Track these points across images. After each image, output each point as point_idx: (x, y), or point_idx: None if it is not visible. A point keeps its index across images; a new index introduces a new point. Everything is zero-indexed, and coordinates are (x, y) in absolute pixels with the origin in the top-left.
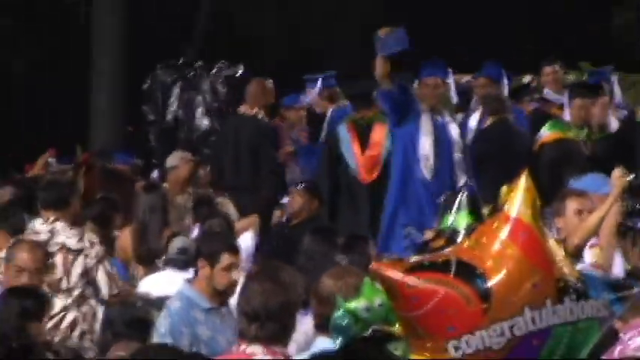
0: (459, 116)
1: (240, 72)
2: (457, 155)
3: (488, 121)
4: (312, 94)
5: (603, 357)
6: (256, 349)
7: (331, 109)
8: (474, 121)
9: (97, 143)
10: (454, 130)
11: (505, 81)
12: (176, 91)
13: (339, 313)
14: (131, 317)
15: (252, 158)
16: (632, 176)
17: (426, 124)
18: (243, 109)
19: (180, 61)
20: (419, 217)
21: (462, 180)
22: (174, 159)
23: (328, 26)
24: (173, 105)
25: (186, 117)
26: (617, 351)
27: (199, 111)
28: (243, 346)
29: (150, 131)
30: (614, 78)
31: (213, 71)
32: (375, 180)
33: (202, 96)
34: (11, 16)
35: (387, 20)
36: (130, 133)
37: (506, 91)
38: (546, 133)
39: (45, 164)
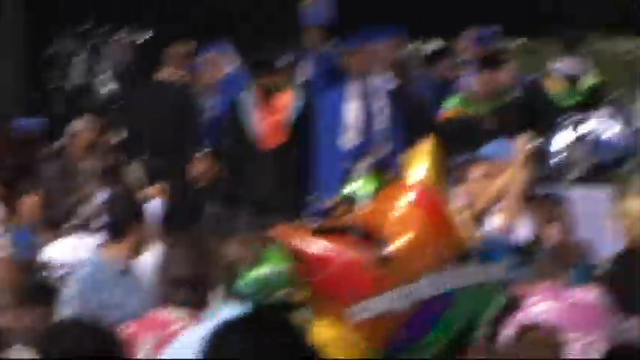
0: None
1: (147, 37)
2: (381, 122)
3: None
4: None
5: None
6: (181, 314)
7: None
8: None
9: (0, 109)
10: (386, 97)
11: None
12: (81, 56)
13: (244, 280)
14: (34, 283)
15: (175, 123)
16: (537, 142)
17: (352, 92)
18: (165, 73)
19: (85, 27)
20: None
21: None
22: (78, 124)
23: None
24: (78, 70)
25: (92, 82)
26: (519, 315)
27: (105, 76)
28: (166, 311)
29: (54, 97)
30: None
31: (119, 36)
32: (280, 145)
33: (108, 61)
34: None
35: None
36: (34, 99)
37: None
38: (447, 107)
39: None
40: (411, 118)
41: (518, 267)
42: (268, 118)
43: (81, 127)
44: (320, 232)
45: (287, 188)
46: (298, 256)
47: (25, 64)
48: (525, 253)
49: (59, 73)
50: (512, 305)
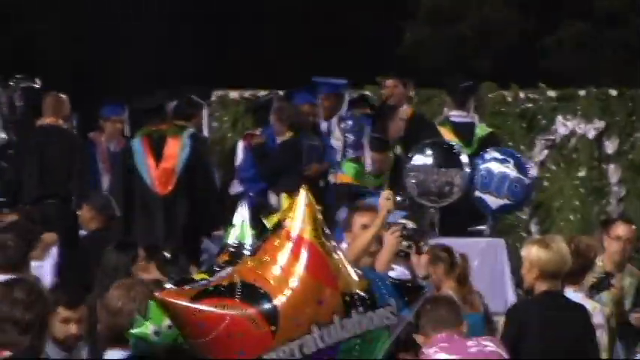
0: None
1: (37, 85)
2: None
3: (284, 136)
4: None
5: None
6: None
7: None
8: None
9: None
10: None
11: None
12: None
13: (131, 337)
14: None
15: (60, 169)
16: (398, 198)
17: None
18: (47, 120)
19: None
20: None
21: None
22: None
23: (117, 39)
24: None
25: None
26: None
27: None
28: None
29: None
30: (347, 93)
31: (10, 84)
32: (169, 192)
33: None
34: None
35: (172, 33)
36: None
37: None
38: (343, 171)
39: None
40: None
41: (403, 307)
42: (160, 166)
43: None
44: (204, 294)
45: (178, 234)
46: (182, 319)
47: None
48: (409, 291)
49: None
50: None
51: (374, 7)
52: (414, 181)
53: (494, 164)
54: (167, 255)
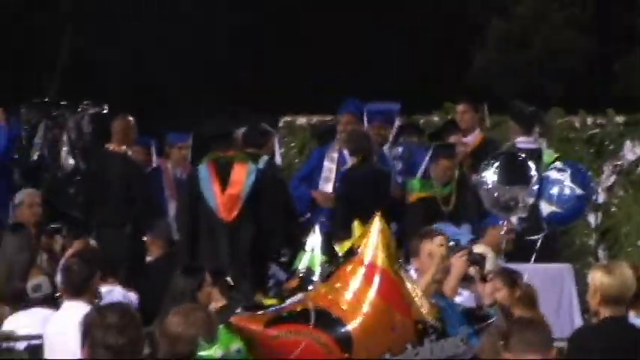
0: None
1: (105, 111)
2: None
3: (353, 161)
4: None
5: None
6: None
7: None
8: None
9: None
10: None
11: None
12: (41, 129)
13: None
14: None
15: (123, 195)
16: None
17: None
18: (112, 146)
19: (45, 100)
20: None
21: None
22: (20, 196)
23: (177, 66)
24: (38, 144)
25: (51, 156)
26: None
27: (64, 150)
28: None
29: (14, 170)
30: (398, 118)
31: (79, 109)
32: (234, 218)
33: (67, 135)
34: None
35: (232, 57)
36: None
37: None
38: (414, 191)
39: None
40: (370, 191)
41: (472, 336)
42: (226, 192)
43: (20, 199)
44: (279, 320)
45: (242, 260)
46: (257, 344)
47: None
48: (478, 319)
49: (19, 146)
50: None
51: (441, 33)
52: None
53: (553, 172)
54: (230, 280)
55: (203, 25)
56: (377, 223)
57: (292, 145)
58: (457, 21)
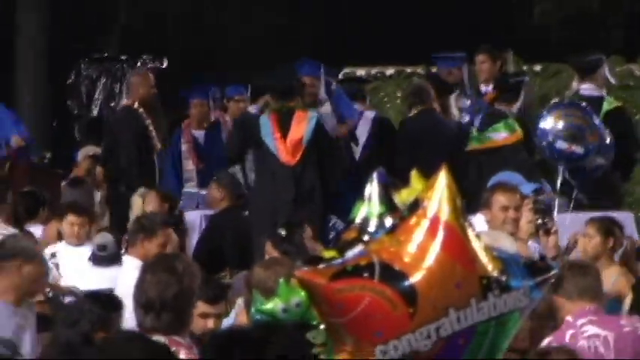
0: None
1: (164, 65)
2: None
3: (414, 110)
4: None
5: (551, 337)
6: (158, 339)
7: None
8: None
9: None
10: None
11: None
12: (101, 84)
13: (256, 312)
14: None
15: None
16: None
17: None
18: (125, 101)
19: (104, 55)
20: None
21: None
22: (80, 154)
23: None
24: (98, 98)
25: (111, 110)
26: (568, 335)
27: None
28: None
29: (75, 125)
30: (465, 66)
31: (138, 64)
32: (298, 162)
33: (127, 89)
34: None
35: (291, 20)
36: (55, 127)
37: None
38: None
39: None
40: (434, 140)
41: (534, 288)
42: (288, 137)
43: (81, 157)
44: (343, 274)
45: (307, 207)
46: (320, 298)
47: (46, 93)
48: (539, 271)
49: (80, 101)
50: (547, 321)
51: None
52: (544, 143)
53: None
54: (282, 232)
55: None
56: (442, 177)
57: None
58: None
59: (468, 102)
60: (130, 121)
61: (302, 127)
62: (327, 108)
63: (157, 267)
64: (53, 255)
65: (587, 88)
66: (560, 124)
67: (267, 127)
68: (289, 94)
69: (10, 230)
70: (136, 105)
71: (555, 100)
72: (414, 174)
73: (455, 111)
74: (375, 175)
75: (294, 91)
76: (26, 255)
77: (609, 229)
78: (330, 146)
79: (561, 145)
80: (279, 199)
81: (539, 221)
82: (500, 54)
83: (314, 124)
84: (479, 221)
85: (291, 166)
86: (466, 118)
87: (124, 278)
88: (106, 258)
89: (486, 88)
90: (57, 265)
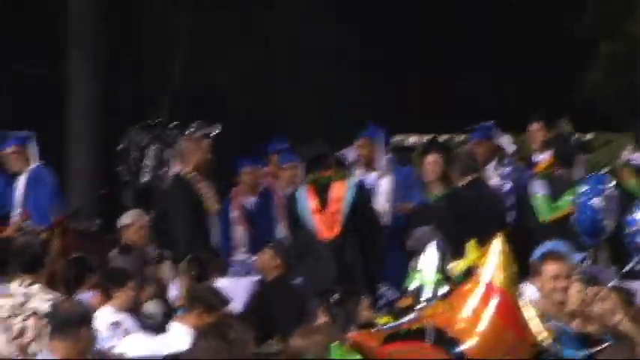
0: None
1: (217, 131)
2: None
3: (464, 180)
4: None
5: None
6: None
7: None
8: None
9: (73, 204)
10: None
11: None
12: (151, 151)
13: None
14: None
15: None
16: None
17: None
18: (177, 168)
19: (155, 121)
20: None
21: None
22: (125, 218)
23: (283, 90)
24: (148, 165)
25: (161, 177)
26: None
27: (174, 172)
28: None
29: (124, 192)
30: (498, 133)
31: (190, 130)
32: (337, 236)
33: (178, 156)
34: None
35: (339, 81)
36: (104, 194)
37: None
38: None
39: (19, 227)
40: (483, 210)
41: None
42: (326, 210)
43: (128, 220)
44: (396, 337)
45: (348, 279)
46: None
47: (97, 160)
48: (592, 343)
49: (129, 168)
50: None
51: (548, 52)
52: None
53: None
54: (335, 298)
55: (310, 49)
56: (498, 244)
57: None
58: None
59: (508, 169)
60: (181, 189)
61: (340, 199)
62: (386, 178)
63: (210, 333)
64: (116, 324)
65: (636, 158)
66: None
67: (304, 200)
68: (324, 164)
69: (54, 295)
70: (186, 171)
71: (605, 169)
72: (471, 244)
73: (496, 179)
74: (432, 244)
75: (329, 161)
76: (87, 321)
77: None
78: (371, 215)
79: None
80: (318, 272)
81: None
82: (553, 123)
83: (353, 194)
84: (529, 290)
85: (330, 240)
86: (507, 186)
87: (174, 346)
88: (153, 326)
89: (540, 157)
90: (120, 332)
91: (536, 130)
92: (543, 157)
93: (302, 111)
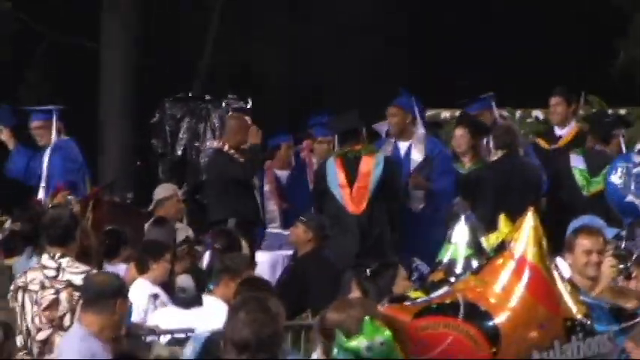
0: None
1: (249, 105)
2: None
3: (498, 153)
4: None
5: None
6: None
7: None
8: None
9: (107, 177)
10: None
11: (417, 111)
12: (185, 124)
13: (339, 350)
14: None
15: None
16: None
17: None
18: (216, 143)
19: (189, 95)
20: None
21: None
22: (161, 191)
23: (324, 63)
24: (182, 138)
25: (196, 150)
26: None
27: (208, 144)
28: None
29: (159, 164)
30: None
31: (223, 105)
32: (363, 210)
33: (212, 129)
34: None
35: (387, 56)
36: (139, 166)
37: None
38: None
39: (64, 201)
40: (518, 184)
41: (618, 334)
42: (354, 185)
43: (163, 194)
44: (427, 312)
45: (378, 253)
46: (404, 335)
47: (131, 132)
48: (624, 318)
49: (164, 141)
50: None
51: (586, 25)
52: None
53: None
54: (367, 271)
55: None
56: (530, 218)
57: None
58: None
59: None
60: (221, 164)
61: (369, 173)
62: (420, 140)
63: (252, 306)
64: (155, 296)
65: None
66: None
67: (333, 173)
68: (354, 138)
69: (85, 267)
70: (226, 148)
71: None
72: (502, 218)
73: (520, 152)
74: (462, 218)
75: (359, 135)
76: (123, 293)
77: None
78: (398, 189)
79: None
80: (345, 247)
81: (621, 266)
82: (574, 97)
83: (381, 169)
84: (561, 265)
85: (357, 214)
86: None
87: (207, 319)
88: (186, 300)
89: (560, 132)
90: (158, 305)
91: (556, 104)
92: (567, 131)
93: (343, 86)
